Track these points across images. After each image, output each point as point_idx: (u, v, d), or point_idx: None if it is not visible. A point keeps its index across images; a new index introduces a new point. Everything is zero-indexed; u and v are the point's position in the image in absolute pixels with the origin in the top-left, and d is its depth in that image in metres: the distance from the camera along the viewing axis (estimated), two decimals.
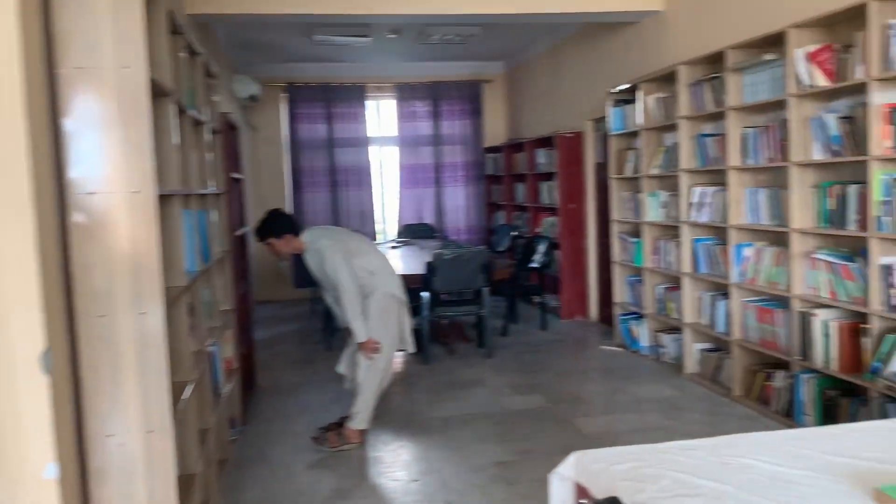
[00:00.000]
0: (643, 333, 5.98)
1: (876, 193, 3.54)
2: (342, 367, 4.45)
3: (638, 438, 4.08)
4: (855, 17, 3.68)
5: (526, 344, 6.59)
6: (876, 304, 3.60)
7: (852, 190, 3.76)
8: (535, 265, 7.39)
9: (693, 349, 5.31)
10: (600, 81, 6.90)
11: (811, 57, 3.93)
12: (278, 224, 4.19)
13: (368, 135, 9.66)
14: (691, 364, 5.31)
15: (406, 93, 9.72)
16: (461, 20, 6.44)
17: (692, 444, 1.97)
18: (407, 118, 9.77)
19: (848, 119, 3.80)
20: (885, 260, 3.55)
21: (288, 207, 9.31)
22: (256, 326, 6.43)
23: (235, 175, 5.06)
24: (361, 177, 9.61)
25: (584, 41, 7.46)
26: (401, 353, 4.62)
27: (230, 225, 4.56)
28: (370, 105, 9.76)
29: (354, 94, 9.54)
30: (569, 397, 5.00)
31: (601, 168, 7.13)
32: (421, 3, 5.72)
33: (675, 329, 5.61)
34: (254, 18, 5.74)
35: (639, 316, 6.08)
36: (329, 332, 6.59)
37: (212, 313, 3.79)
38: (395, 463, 4.00)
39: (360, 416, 4.19)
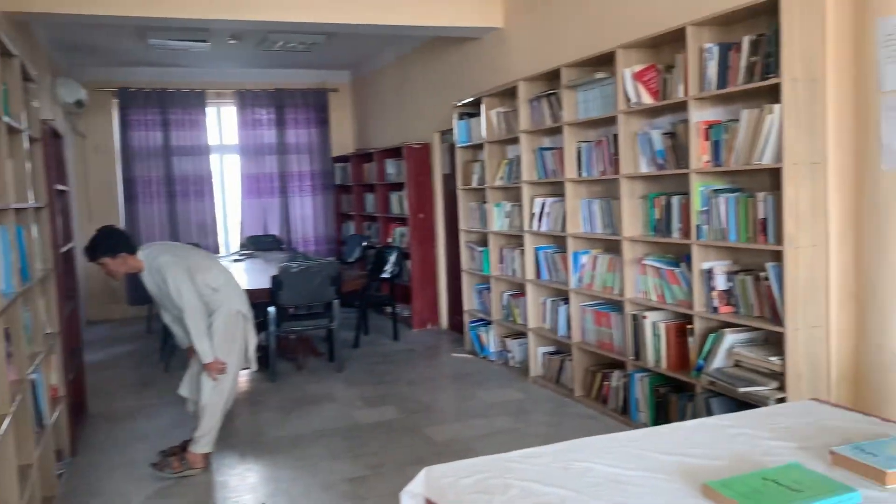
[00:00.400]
0: (491, 339, 6.13)
1: (696, 204, 3.83)
2: (184, 390, 4.23)
3: (487, 443, 4.18)
4: (676, 40, 3.97)
5: (378, 355, 6.57)
6: (699, 305, 3.89)
7: (675, 201, 4.05)
8: (386, 275, 7.39)
9: (537, 353, 5.51)
10: (446, 94, 7.03)
11: (637, 76, 4.20)
12: (112, 242, 3.90)
13: (209, 143, 9.28)
14: (536, 367, 5.51)
15: (248, 100, 9.43)
16: (303, 28, 6.34)
17: (536, 451, 2.02)
18: (249, 126, 9.47)
19: (671, 135, 4.10)
20: (706, 265, 3.85)
21: (121, 220, 8.76)
22: (87, 349, 5.97)
23: (60, 187, 4.68)
24: (202, 187, 9.19)
25: (429, 54, 7.57)
26: (245, 371, 4.45)
27: (54, 241, 4.21)
28: (210, 112, 9.39)
29: (193, 101, 9.13)
30: (420, 407, 5.03)
31: (449, 179, 7.25)
32: (260, 10, 5.56)
33: (520, 334, 5.80)
34: (79, 19, 5.36)
35: (487, 322, 6.23)
36: (168, 352, 6.25)
37: (34, 337, 3.48)
38: (242, 486, 3.84)
39: (205, 439, 4.00)
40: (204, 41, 7.31)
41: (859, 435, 2.00)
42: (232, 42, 7.56)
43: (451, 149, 7.01)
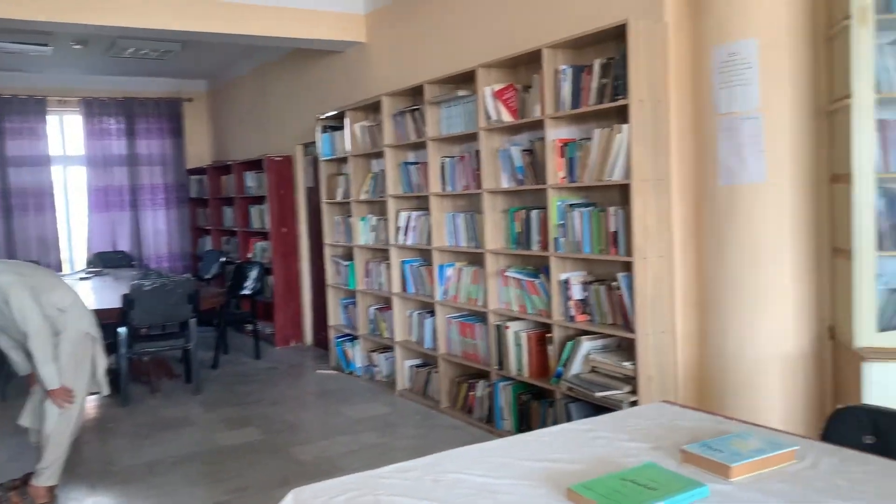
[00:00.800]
0: (357, 354, 6.09)
1: (553, 218, 4.00)
2: (26, 419, 3.89)
3: (354, 459, 4.15)
4: (532, 61, 4.13)
5: (239, 375, 6.35)
6: (557, 314, 4.05)
7: (534, 215, 4.21)
8: (246, 292, 7.18)
9: (404, 366, 5.53)
10: (309, 106, 6.94)
11: (497, 95, 4.34)
12: None
13: (51, 153, 8.66)
14: (403, 380, 5.53)
15: (95, 108, 8.90)
16: (154, 35, 6.06)
17: (406, 465, 2.02)
18: (96, 136, 8.94)
19: (529, 152, 4.26)
20: (563, 276, 4.01)
21: None
22: None
23: None
24: (42, 200, 8.57)
25: (291, 65, 7.45)
26: (94, 396, 4.17)
27: None
28: (52, 120, 8.77)
29: (33, 108, 8.50)
30: (284, 426, 4.90)
31: (313, 192, 7.16)
32: (106, 14, 5.26)
33: (387, 348, 5.80)
34: None
35: (353, 337, 6.18)
36: (4, 379, 5.74)
37: None
38: None
39: (49, 470, 3.69)
40: (45, 45, 6.83)
41: (706, 433, 2.15)
42: (77, 47, 7.12)
43: (314, 162, 6.93)
